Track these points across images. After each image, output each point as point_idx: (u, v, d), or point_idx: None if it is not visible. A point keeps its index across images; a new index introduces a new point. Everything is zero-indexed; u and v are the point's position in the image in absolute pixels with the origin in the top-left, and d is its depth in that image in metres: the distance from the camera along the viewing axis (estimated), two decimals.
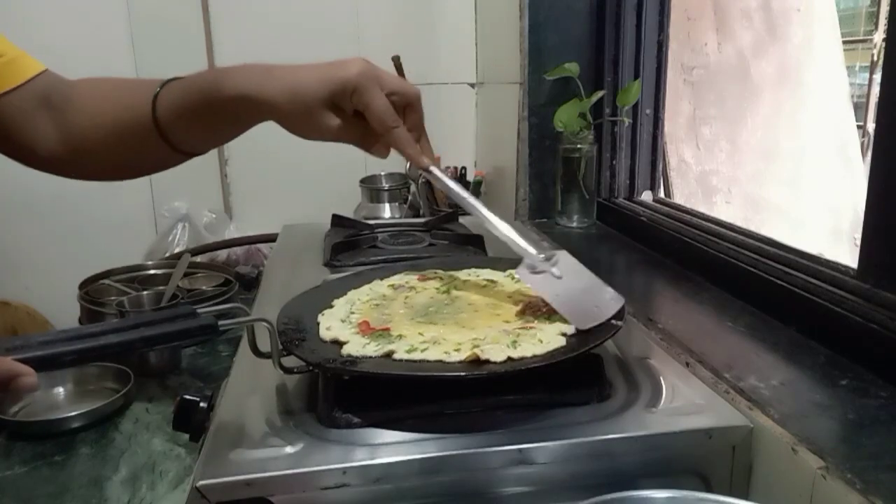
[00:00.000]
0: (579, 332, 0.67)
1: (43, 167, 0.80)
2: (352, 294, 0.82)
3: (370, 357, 0.64)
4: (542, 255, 0.74)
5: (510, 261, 0.93)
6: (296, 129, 0.67)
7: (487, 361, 0.61)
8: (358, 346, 0.65)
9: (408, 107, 0.69)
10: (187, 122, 0.69)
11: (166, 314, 0.58)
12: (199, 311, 0.58)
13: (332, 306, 0.77)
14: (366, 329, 0.70)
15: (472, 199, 0.74)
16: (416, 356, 0.63)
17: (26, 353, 0.50)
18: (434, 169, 0.72)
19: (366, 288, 0.84)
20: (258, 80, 0.65)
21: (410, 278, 0.88)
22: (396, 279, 0.87)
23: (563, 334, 0.67)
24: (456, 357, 0.62)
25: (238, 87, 0.65)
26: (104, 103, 0.76)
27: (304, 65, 0.67)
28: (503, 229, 0.74)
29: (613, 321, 0.68)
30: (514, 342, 0.64)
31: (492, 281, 0.86)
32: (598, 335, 0.66)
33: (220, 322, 0.58)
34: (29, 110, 0.75)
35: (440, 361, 0.62)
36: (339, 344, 0.67)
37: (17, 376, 0.49)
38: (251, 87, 0.65)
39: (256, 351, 0.65)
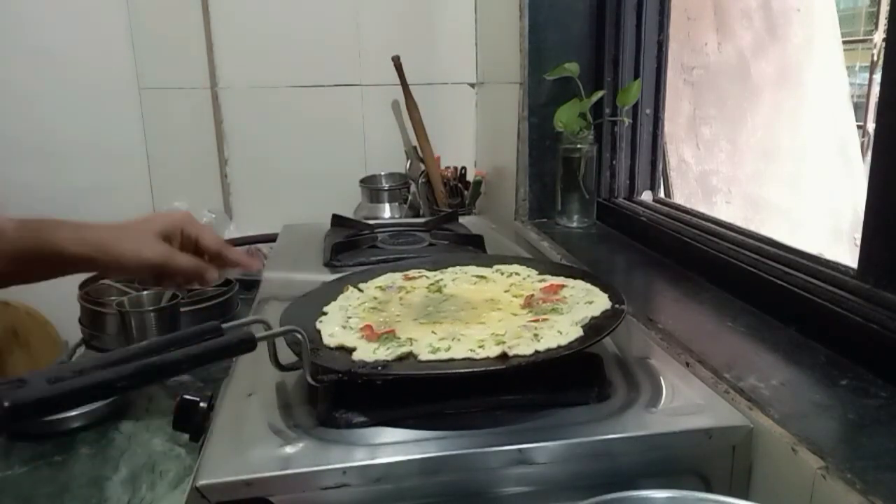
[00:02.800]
0: (593, 321, 0.70)
1: None
2: (342, 299, 0.81)
3: (386, 361, 0.63)
4: None
5: (496, 257, 0.94)
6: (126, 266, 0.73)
7: (515, 356, 0.62)
8: (367, 352, 0.65)
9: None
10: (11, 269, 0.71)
11: (194, 331, 0.56)
12: (223, 326, 0.57)
13: (325, 313, 0.77)
14: (370, 333, 0.69)
15: None
16: (443, 356, 0.64)
17: (72, 384, 0.46)
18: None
19: (354, 291, 0.83)
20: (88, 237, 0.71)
21: (396, 278, 0.87)
22: (382, 280, 0.87)
23: (578, 324, 0.69)
24: (482, 353, 0.63)
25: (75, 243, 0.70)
26: None
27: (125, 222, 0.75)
28: None
29: (617, 306, 0.72)
30: (536, 335, 0.66)
31: (481, 277, 0.87)
32: (612, 321, 0.69)
33: (257, 336, 0.57)
34: None
35: (468, 359, 0.63)
36: (346, 350, 0.66)
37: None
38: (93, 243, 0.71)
39: (279, 365, 0.64)
